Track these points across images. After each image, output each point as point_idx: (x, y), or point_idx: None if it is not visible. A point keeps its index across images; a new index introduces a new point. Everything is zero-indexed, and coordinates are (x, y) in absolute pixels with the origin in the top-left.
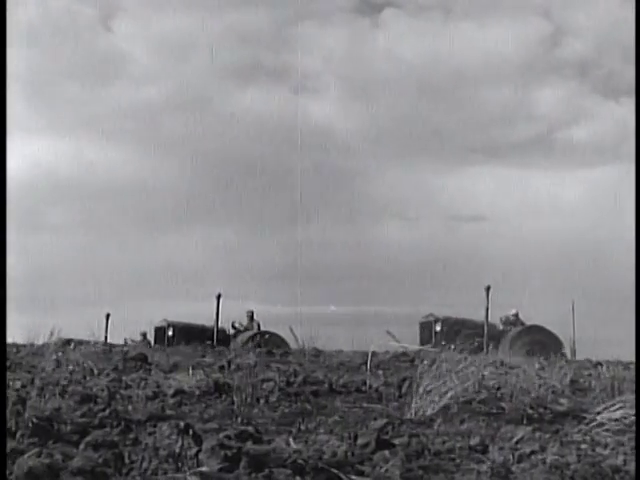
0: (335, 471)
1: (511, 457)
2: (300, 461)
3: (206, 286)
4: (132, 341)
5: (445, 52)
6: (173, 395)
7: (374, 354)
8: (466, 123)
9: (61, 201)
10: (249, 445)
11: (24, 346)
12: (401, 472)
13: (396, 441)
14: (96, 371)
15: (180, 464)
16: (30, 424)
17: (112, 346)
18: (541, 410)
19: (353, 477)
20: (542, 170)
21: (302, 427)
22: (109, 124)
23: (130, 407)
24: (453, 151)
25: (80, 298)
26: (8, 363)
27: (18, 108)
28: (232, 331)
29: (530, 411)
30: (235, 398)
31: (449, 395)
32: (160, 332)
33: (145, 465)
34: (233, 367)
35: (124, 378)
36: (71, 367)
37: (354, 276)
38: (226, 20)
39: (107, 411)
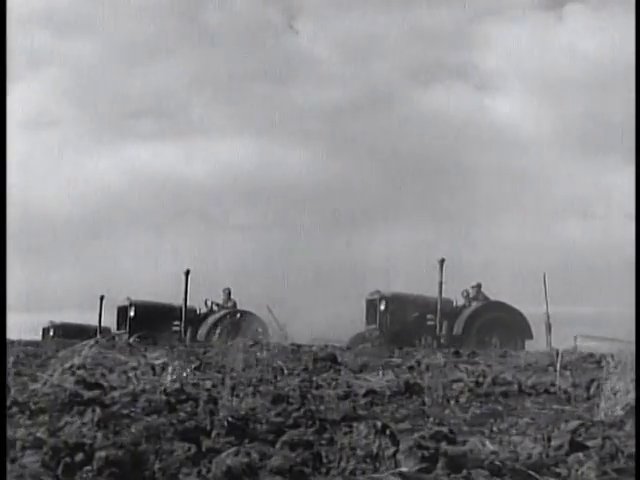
0: (532, 473)
1: None
2: (497, 462)
3: (390, 284)
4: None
5: (629, 47)
6: (364, 395)
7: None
8: None
9: (248, 201)
10: (445, 446)
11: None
12: (596, 475)
13: (589, 443)
14: (286, 371)
15: (378, 464)
16: (225, 423)
17: (299, 346)
18: None
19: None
20: None
21: (494, 428)
22: (294, 125)
23: (322, 407)
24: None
25: (269, 298)
26: (197, 363)
27: (205, 110)
28: (204, 310)
29: None
30: (426, 398)
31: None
32: (122, 312)
33: (343, 465)
34: (422, 367)
35: (314, 378)
36: (260, 367)
37: (539, 277)
38: (408, 19)
39: (301, 411)
